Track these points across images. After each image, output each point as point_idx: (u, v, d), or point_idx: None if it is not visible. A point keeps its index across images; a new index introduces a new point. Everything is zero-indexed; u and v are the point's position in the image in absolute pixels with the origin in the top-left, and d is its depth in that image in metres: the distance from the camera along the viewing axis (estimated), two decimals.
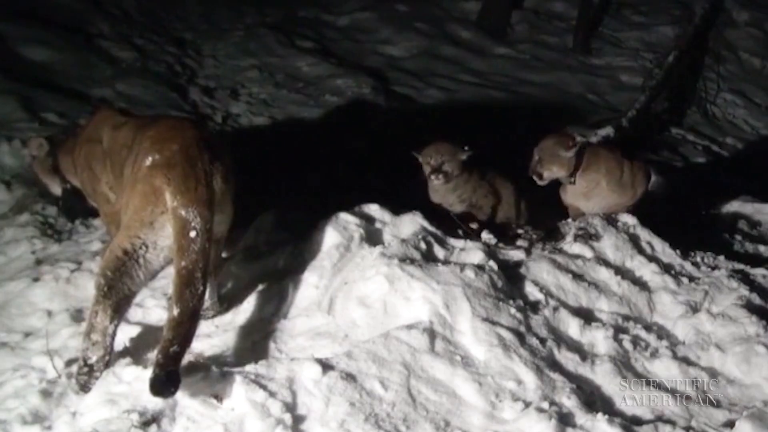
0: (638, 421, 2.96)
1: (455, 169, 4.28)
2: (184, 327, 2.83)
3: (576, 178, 4.22)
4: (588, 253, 3.87)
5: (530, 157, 4.21)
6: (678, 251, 4.10)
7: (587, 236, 3.98)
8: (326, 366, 2.94)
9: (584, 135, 4.24)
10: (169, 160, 3.00)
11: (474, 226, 4.31)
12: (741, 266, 4.15)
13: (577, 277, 3.68)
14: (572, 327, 3.41)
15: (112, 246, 3.06)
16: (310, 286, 3.56)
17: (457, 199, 4.42)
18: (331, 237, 3.70)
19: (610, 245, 3.94)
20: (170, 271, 2.96)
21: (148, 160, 3.02)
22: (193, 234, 2.90)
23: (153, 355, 2.91)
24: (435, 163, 4.25)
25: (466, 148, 4.27)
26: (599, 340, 3.36)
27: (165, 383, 2.71)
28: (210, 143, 3.18)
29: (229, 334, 3.41)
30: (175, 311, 2.83)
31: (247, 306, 3.57)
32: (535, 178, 4.20)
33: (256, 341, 3.31)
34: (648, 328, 3.56)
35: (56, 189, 4.72)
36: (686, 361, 3.33)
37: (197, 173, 3.00)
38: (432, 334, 3.13)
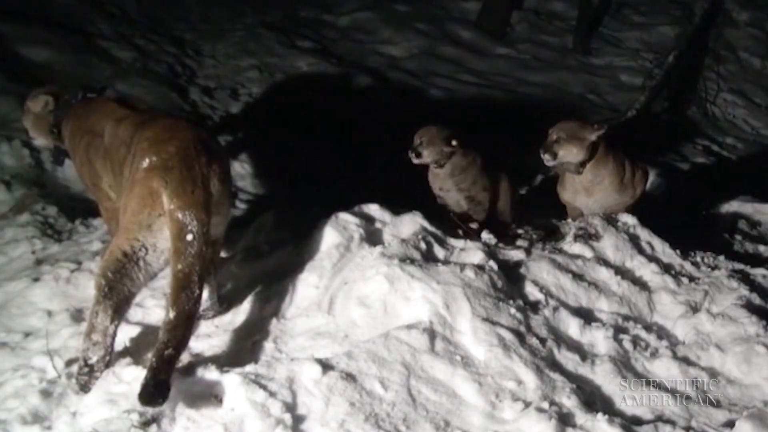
0: (638, 421, 2.96)
1: (433, 155, 4.28)
2: (180, 330, 2.83)
3: (584, 168, 4.15)
4: (588, 253, 3.87)
5: (545, 136, 4.12)
6: (678, 251, 4.10)
7: (587, 236, 3.98)
8: (326, 366, 2.94)
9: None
10: (166, 162, 3.00)
11: (474, 226, 4.32)
12: (741, 266, 4.15)
13: (577, 277, 3.69)
14: (572, 327, 3.41)
15: (112, 247, 3.06)
16: (310, 286, 3.56)
17: (454, 186, 4.40)
18: (331, 237, 3.70)
19: (610, 245, 3.94)
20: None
21: (146, 162, 3.02)
22: (189, 237, 2.90)
23: None
24: (414, 144, 4.29)
25: (454, 143, 4.24)
26: (599, 340, 3.36)
27: (153, 394, 2.70)
28: (207, 145, 3.18)
29: (229, 334, 3.41)
30: (171, 314, 2.83)
31: (247, 306, 3.57)
32: (546, 157, 4.07)
33: (256, 341, 3.31)
34: (648, 328, 3.56)
35: (46, 144, 4.25)
36: (686, 361, 3.33)
37: (194, 176, 3.01)
38: (432, 334, 3.13)
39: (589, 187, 4.23)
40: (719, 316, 3.53)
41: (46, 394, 3.05)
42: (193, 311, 2.90)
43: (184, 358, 3.14)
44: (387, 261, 3.37)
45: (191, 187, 2.98)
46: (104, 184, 3.66)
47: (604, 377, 3.16)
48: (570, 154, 4.07)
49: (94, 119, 3.67)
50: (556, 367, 3.15)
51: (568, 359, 3.22)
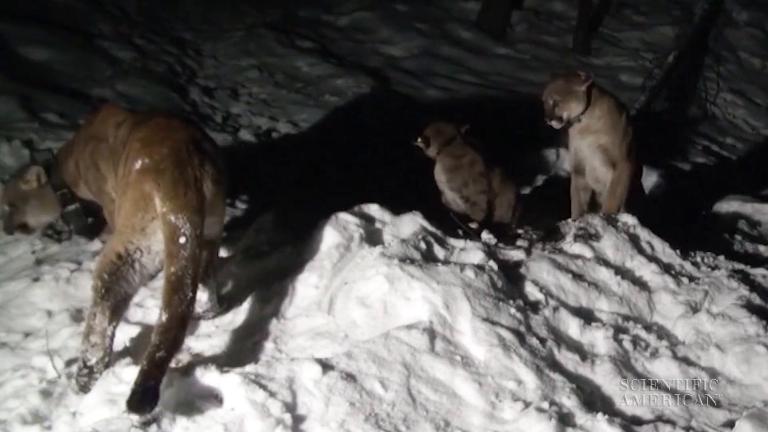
0: (638, 421, 2.96)
1: (425, 150, 4.56)
2: (172, 333, 2.82)
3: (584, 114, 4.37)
4: (588, 253, 3.87)
5: (541, 105, 4.36)
6: (678, 251, 4.10)
7: (587, 236, 3.98)
8: (326, 366, 2.94)
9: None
10: (158, 164, 3.00)
11: (474, 226, 4.32)
12: (741, 266, 4.15)
13: (577, 277, 3.68)
14: (572, 327, 3.41)
15: (107, 250, 3.06)
16: (310, 286, 3.56)
17: (446, 185, 4.55)
18: (331, 237, 3.70)
19: (610, 245, 3.94)
20: None
21: (138, 164, 3.02)
22: (182, 240, 2.89)
23: None
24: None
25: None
26: (599, 340, 3.36)
27: (140, 401, 2.67)
28: (200, 145, 3.18)
29: (229, 334, 3.41)
30: (164, 317, 2.82)
31: (247, 306, 3.57)
32: (554, 123, 4.34)
33: (256, 341, 3.31)
34: (648, 328, 3.56)
35: (56, 216, 4.29)
36: (686, 361, 3.34)
37: (187, 178, 3.00)
38: (432, 334, 3.13)
39: (583, 130, 4.41)
40: (719, 316, 3.53)
41: (46, 394, 3.05)
42: (186, 314, 2.88)
43: (184, 358, 3.14)
44: (387, 261, 3.37)
45: (184, 189, 2.97)
46: (108, 186, 3.68)
47: (604, 377, 3.16)
48: (572, 110, 4.32)
49: (97, 124, 3.71)
50: (556, 367, 3.15)
51: (568, 359, 3.22)
